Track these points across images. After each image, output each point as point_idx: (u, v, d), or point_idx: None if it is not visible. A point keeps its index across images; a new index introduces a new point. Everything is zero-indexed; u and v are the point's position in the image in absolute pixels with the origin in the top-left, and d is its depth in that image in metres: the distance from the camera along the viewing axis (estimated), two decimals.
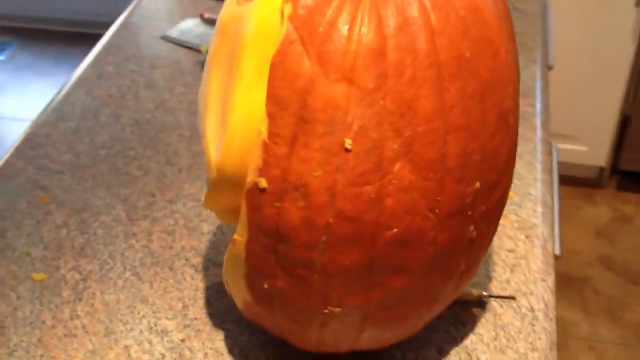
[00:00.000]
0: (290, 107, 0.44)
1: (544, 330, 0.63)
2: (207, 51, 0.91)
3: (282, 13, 0.45)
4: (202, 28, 1.03)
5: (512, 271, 0.68)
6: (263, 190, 0.46)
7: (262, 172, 0.45)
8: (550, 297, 0.66)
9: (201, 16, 1.05)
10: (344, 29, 0.42)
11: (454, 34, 0.43)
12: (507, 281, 0.67)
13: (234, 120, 0.47)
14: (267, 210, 0.46)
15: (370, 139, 0.43)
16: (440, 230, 0.47)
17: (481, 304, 0.65)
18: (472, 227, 0.49)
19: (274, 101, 0.44)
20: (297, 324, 0.52)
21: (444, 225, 0.47)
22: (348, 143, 0.43)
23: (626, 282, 1.62)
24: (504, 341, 0.61)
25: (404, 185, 0.44)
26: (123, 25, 1.06)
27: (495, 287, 0.66)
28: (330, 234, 0.45)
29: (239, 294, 0.54)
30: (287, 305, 0.51)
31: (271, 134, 0.45)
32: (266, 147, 0.45)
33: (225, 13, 0.48)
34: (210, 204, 0.53)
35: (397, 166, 0.44)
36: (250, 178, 0.46)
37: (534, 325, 0.63)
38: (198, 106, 0.53)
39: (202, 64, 0.96)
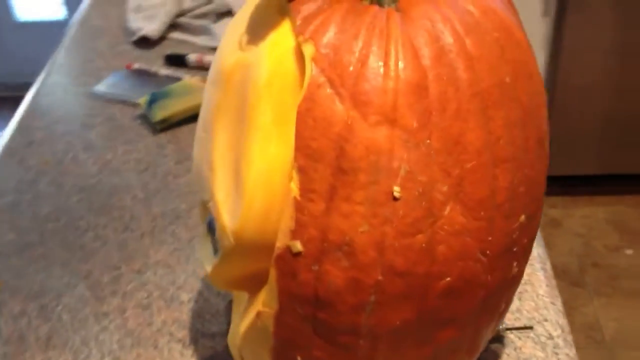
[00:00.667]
0: (324, 158, 0.39)
1: (567, 357, 0.60)
2: (146, 103, 0.85)
3: (298, 55, 0.41)
4: (132, 80, 0.96)
5: (520, 299, 0.65)
6: (298, 254, 0.41)
7: (295, 234, 0.40)
8: (564, 321, 0.63)
9: (128, 67, 0.98)
10: (379, 65, 0.38)
11: (492, 59, 0.40)
12: (519, 310, 0.64)
13: (253, 179, 0.42)
14: (304, 276, 0.41)
15: (420, 183, 0.39)
16: (490, 272, 0.43)
17: (499, 339, 0.61)
18: (515, 263, 0.45)
19: (305, 153, 0.39)
20: None
21: (494, 266, 0.43)
22: (396, 191, 0.38)
23: (569, 285, 1.64)
24: None
25: (456, 229, 0.40)
26: (44, 85, 0.98)
27: (508, 319, 0.63)
28: (380, 293, 0.41)
29: None
30: None
31: (304, 190, 0.39)
32: (299, 206, 0.40)
33: (226, 61, 0.43)
34: (219, 275, 0.47)
35: (448, 209, 0.40)
36: (281, 242, 0.41)
37: (557, 353, 0.60)
38: (196, 169, 0.47)
39: (142, 117, 0.89)
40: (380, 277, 0.40)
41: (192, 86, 0.90)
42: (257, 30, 0.42)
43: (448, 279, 0.41)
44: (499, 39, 0.40)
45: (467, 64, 0.39)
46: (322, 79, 0.39)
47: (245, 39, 0.42)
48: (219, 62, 0.44)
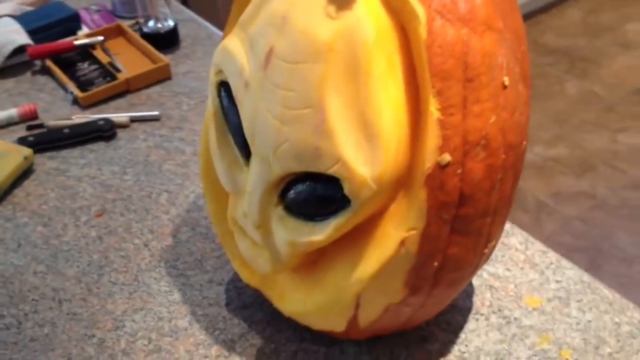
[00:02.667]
0: (454, 75, 0.46)
1: None
2: None
3: (385, 5, 0.47)
4: None
5: None
6: (446, 165, 0.48)
7: (443, 148, 0.47)
8: None
9: None
10: None
11: None
12: None
13: (386, 122, 0.47)
14: (451, 183, 0.48)
15: (512, 70, 0.49)
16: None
17: None
18: None
19: (440, 77, 0.46)
20: (452, 290, 0.55)
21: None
22: (506, 80, 0.48)
23: None
24: None
25: (525, 101, 0.51)
26: None
27: None
28: (504, 170, 0.50)
29: (383, 300, 0.54)
30: (454, 271, 0.53)
31: (443, 108, 0.46)
32: (442, 124, 0.47)
33: (321, 34, 0.46)
34: (313, 245, 0.52)
35: (520, 87, 0.51)
36: (430, 162, 0.47)
37: None
38: (307, 147, 0.48)
39: None
40: (503, 156, 0.50)
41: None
42: (341, 1, 0.46)
43: (524, 142, 0.53)
44: None
45: None
46: (432, 14, 0.46)
47: (332, 8, 0.46)
48: (309, 38, 0.46)
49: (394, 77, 0.47)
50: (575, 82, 2.50)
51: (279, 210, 0.54)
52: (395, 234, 0.51)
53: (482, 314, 0.66)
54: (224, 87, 0.56)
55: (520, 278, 0.69)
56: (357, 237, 0.53)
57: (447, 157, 0.47)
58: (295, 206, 0.52)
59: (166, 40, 1.09)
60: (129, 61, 1.04)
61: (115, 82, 0.98)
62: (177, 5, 1.23)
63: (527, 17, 2.90)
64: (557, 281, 0.69)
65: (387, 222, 0.51)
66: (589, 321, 0.65)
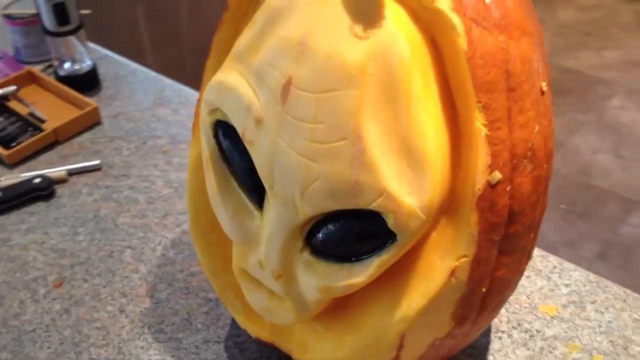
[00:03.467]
0: (499, 85, 0.42)
1: None
2: None
3: (413, 19, 0.42)
4: None
5: None
6: (496, 183, 0.44)
7: (492, 166, 0.43)
8: None
9: None
10: None
11: None
12: None
13: (431, 146, 0.42)
14: (501, 202, 0.45)
15: (546, 74, 0.46)
16: None
17: None
18: None
19: (485, 89, 0.42)
20: (495, 314, 0.52)
21: None
22: (544, 86, 0.45)
23: None
24: None
25: (550, 104, 0.49)
26: None
27: None
28: (546, 180, 0.47)
29: (429, 336, 0.50)
30: (499, 294, 0.50)
31: (490, 122, 0.43)
32: (490, 139, 0.43)
33: (351, 55, 0.41)
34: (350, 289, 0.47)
35: (544, 85, 0.47)
36: (480, 183, 0.43)
37: None
38: (328, 189, 0.44)
39: None
40: (545, 166, 0.47)
41: None
42: (369, 15, 0.41)
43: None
44: None
45: None
46: (469, 23, 0.42)
47: (360, 27, 0.41)
48: (337, 62, 0.41)
49: (432, 95, 0.43)
50: None
51: (306, 256, 0.48)
52: (443, 264, 0.47)
53: (503, 331, 0.63)
54: (221, 127, 0.50)
55: (529, 287, 0.67)
56: (395, 272, 0.49)
57: (497, 175, 0.44)
58: (326, 248, 0.47)
59: (86, 82, 1.01)
60: (50, 109, 0.95)
61: (42, 134, 0.89)
62: (89, 43, 1.14)
63: None
64: (566, 285, 0.67)
65: (431, 252, 0.47)
66: (609, 322, 0.63)
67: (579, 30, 2.89)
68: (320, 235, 0.47)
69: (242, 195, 0.51)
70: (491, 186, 0.44)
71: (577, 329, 0.62)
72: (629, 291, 0.66)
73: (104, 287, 0.69)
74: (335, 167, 0.43)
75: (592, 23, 2.93)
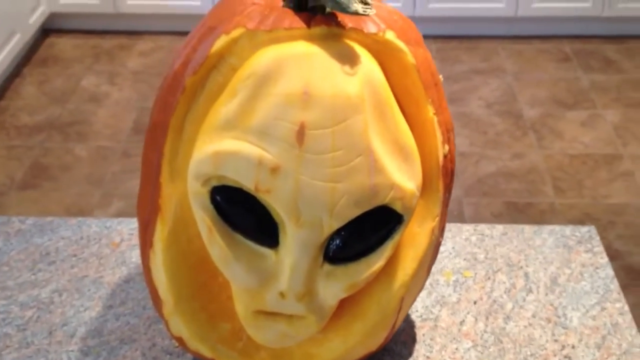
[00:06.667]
0: (432, 83, 0.58)
1: None
2: None
3: (371, 50, 0.55)
4: None
5: None
6: (446, 154, 0.60)
7: (443, 142, 0.59)
8: None
9: None
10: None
11: None
12: None
13: (411, 140, 0.56)
14: (449, 166, 0.60)
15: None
16: None
17: None
18: None
19: (429, 88, 0.57)
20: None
21: None
22: (441, 77, 0.62)
23: None
24: None
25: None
26: None
27: None
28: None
29: (417, 289, 0.63)
30: (441, 236, 0.66)
31: (436, 110, 0.58)
32: (439, 123, 0.58)
33: (351, 89, 0.51)
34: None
35: (441, 77, 0.65)
36: (440, 156, 0.59)
37: None
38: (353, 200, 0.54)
39: None
40: (453, 134, 0.64)
41: None
42: (350, 58, 0.53)
43: None
44: None
45: None
46: (405, 46, 0.56)
47: (348, 67, 0.52)
48: (343, 97, 0.51)
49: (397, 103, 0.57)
50: None
51: (326, 268, 0.57)
52: (422, 228, 0.60)
53: None
54: (218, 193, 0.55)
55: None
56: None
57: (446, 148, 0.59)
58: (344, 254, 0.57)
59: None
60: None
61: None
62: None
63: None
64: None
65: (410, 224, 0.60)
66: (453, 247, 0.83)
67: None
68: (334, 245, 0.56)
69: (251, 244, 0.57)
70: (444, 156, 0.59)
71: (443, 260, 0.81)
72: (459, 224, 0.86)
73: None
74: (357, 180, 0.54)
75: None
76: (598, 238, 0.83)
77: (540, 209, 2.06)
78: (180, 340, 0.63)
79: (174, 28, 3.03)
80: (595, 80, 2.67)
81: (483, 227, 0.85)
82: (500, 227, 0.85)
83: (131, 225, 0.86)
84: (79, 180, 2.24)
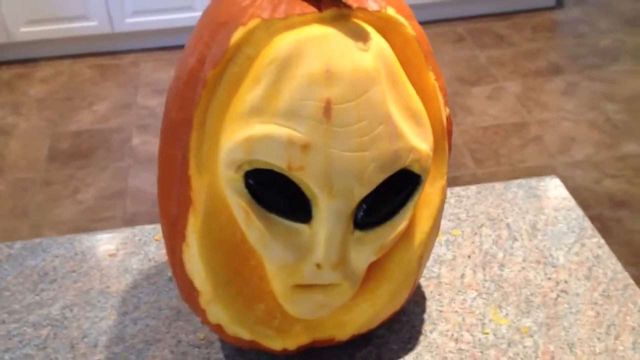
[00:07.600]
0: (429, 52, 0.63)
1: None
2: None
3: (375, 27, 0.60)
4: None
5: None
6: (448, 116, 0.65)
7: (444, 105, 0.64)
8: None
9: None
10: None
11: None
12: None
13: (420, 105, 0.61)
14: (449, 127, 0.66)
15: None
16: None
17: None
18: None
19: (428, 57, 0.62)
20: None
21: None
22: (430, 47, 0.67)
23: None
24: None
25: None
26: None
27: None
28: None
29: (433, 243, 0.68)
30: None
31: (435, 77, 0.63)
32: (440, 88, 0.63)
33: (367, 63, 0.55)
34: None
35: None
36: (444, 118, 0.64)
37: None
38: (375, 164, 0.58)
39: None
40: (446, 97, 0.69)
41: None
42: (362, 35, 0.57)
43: None
44: None
45: None
46: (405, 20, 0.61)
47: (361, 44, 0.56)
48: (362, 71, 0.55)
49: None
50: None
51: (356, 234, 0.61)
52: (434, 187, 0.65)
53: None
54: (251, 177, 0.58)
55: None
56: None
57: (447, 110, 0.65)
58: (372, 219, 0.61)
59: None
60: None
61: None
62: None
63: None
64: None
65: None
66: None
67: None
68: (362, 211, 0.60)
69: (285, 222, 0.60)
70: (446, 118, 0.64)
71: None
72: None
73: None
74: (381, 147, 0.58)
75: None
76: (562, 184, 0.91)
77: (466, 181, 2.17)
78: (218, 327, 0.65)
79: (74, 51, 2.97)
80: (492, 56, 2.82)
81: (458, 190, 0.91)
82: (473, 188, 0.91)
83: (122, 234, 0.87)
84: (4, 215, 2.17)
